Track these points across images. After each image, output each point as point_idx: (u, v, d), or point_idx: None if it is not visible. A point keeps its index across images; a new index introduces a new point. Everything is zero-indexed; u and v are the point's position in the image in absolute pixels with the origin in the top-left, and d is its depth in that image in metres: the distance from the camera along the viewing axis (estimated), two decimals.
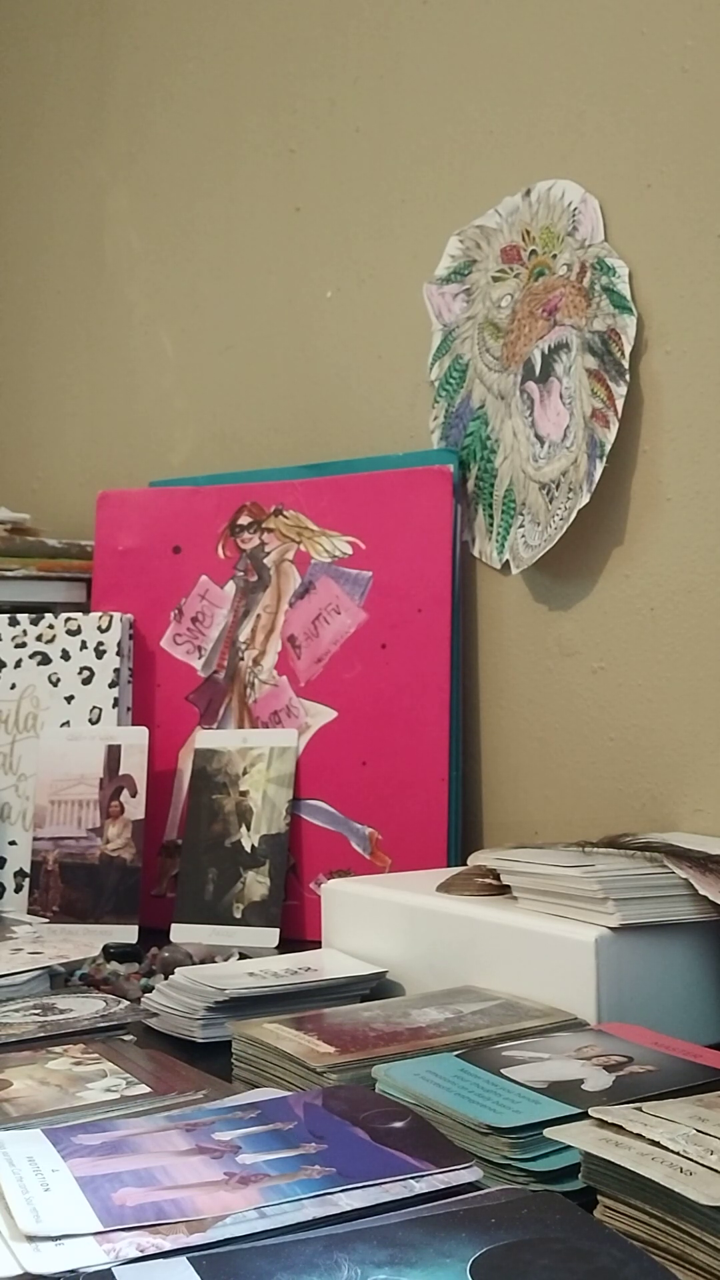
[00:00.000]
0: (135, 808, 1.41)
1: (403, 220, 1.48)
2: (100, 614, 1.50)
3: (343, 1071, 0.86)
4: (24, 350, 2.01)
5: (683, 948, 0.99)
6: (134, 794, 1.41)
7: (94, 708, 1.48)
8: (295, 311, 1.60)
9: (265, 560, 1.48)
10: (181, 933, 1.37)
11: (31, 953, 1.19)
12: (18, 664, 1.51)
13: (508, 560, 1.35)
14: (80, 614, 1.52)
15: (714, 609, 1.20)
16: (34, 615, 1.53)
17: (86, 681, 1.48)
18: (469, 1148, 0.74)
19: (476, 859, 1.14)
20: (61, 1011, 1.06)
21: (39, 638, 1.51)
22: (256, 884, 1.37)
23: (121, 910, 1.38)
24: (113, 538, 1.56)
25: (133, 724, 1.48)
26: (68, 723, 1.48)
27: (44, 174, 1.98)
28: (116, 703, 1.47)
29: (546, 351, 1.31)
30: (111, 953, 1.25)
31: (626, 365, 1.22)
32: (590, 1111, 0.70)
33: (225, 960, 1.21)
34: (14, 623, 1.53)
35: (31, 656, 1.51)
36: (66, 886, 1.41)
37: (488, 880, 1.10)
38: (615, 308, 1.24)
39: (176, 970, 1.08)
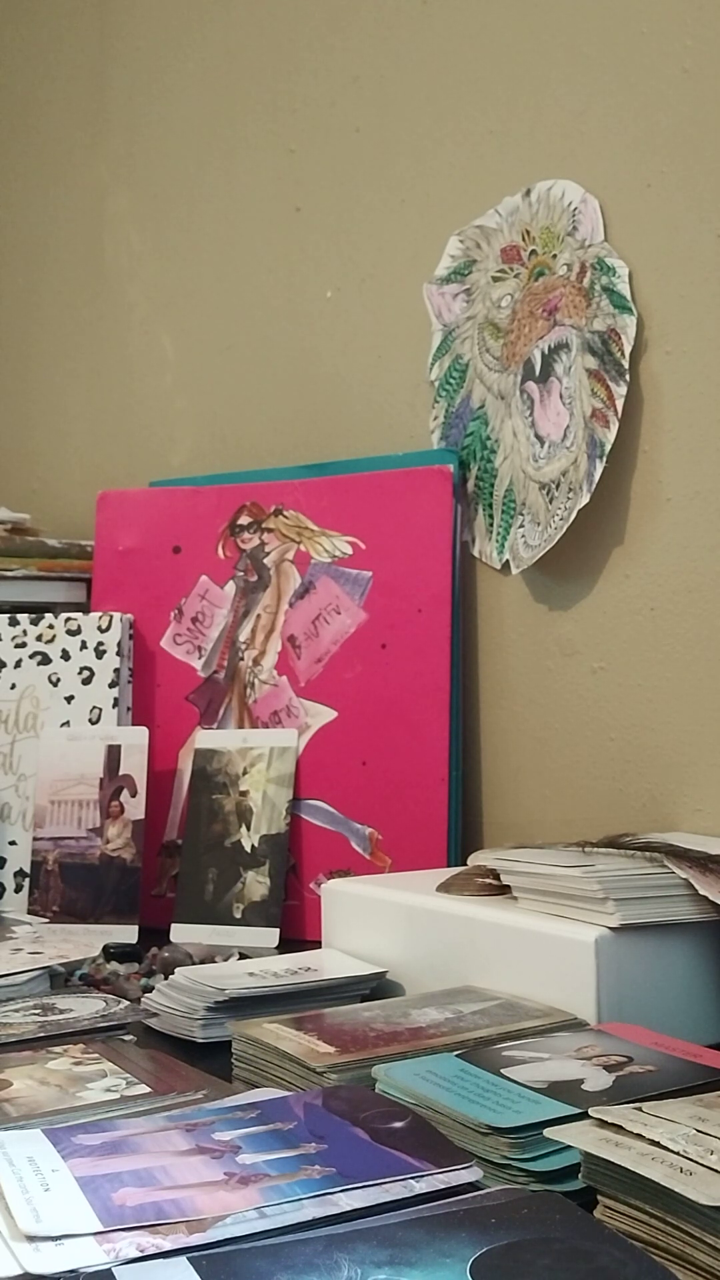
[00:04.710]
0: (135, 808, 1.41)
1: (403, 220, 1.48)
2: (100, 614, 1.50)
3: (343, 1071, 0.86)
4: (24, 350, 2.01)
5: (683, 948, 0.99)
6: (134, 794, 1.41)
7: (94, 708, 1.48)
8: (295, 311, 1.60)
9: (265, 560, 1.48)
10: (181, 933, 1.37)
11: (31, 953, 1.19)
12: (18, 664, 1.51)
13: (508, 560, 1.35)
14: (80, 614, 1.52)
15: (714, 609, 1.20)
16: (34, 615, 1.53)
17: (86, 681, 1.48)
18: (469, 1148, 0.74)
19: (476, 859, 1.14)
20: (61, 1011, 1.06)
21: (39, 638, 1.51)
22: (256, 884, 1.37)
23: (121, 910, 1.38)
24: (113, 538, 1.56)
25: (133, 724, 1.48)
26: (68, 723, 1.48)
27: (44, 174, 1.98)
28: (116, 703, 1.47)
29: (546, 351, 1.31)
30: (111, 953, 1.25)
31: (626, 365, 1.23)
32: (590, 1111, 0.70)
33: (225, 960, 1.21)
34: (14, 623, 1.53)
35: (31, 656, 1.51)
36: (66, 886, 1.41)
37: (488, 880, 1.10)
38: (615, 308, 1.24)
39: (176, 970, 1.08)
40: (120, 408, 1.84)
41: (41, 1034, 1.00)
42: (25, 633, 1.52)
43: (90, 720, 1.47)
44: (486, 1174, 0.72)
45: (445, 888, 1.12)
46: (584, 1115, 0.72)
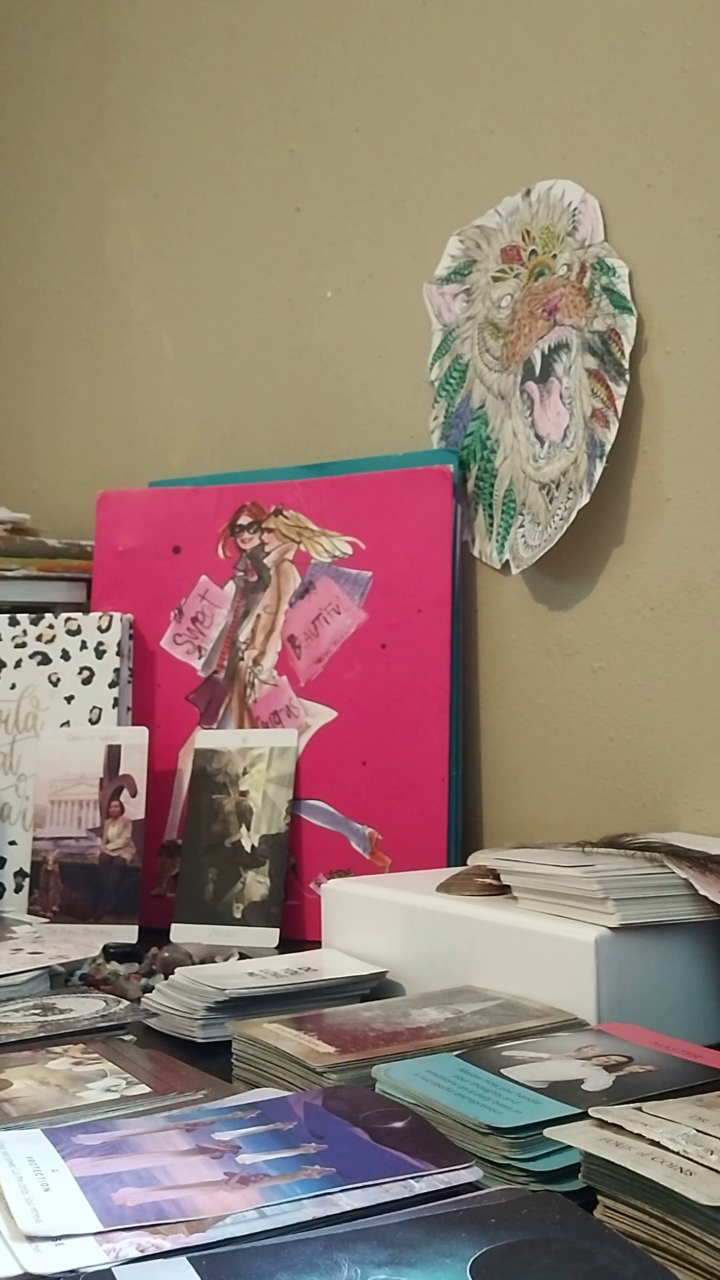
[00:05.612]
0: (135, 808, 1.41)
1: (403, 220, 1.48)
2: (100, 614, 1.50)
3: (343, 1071, 0.86)
4: (24, 350, 2.01)
5: (683, 948, 0.99)
6: (134, 794, 1.41)
7: (94, 708, 1.48)
8: (295, 311, 1.60)
9: (265, 560, 1.48)
10: (181, 933, 1.37)
11: (31, 953, 1.19)
12: (18, 664, 1.51)
13: (508, 560, 1.35)
14: (80, 614, 1.52)
15: (714, 609, 1.20)
16: (34, 615, 1.53)
17: (86, 681, 1.48)
18: (469, 1148, 0.74)
19: (476, 859, 1.14)
20: (61, 1011, 1.06)
21: (39, 638, 1.51)
22: (256, 884, 1.37)
23: (121, 910, 1.38)
24: (113, 538, 1.56)
25: (133, 724, 1.48)
26: (68, 723, 1.48)
27: (44, 174, 1.98)
28: (116, 703, 1.47)
29: (546, 351, 1.31)
30: (111, 953, 1.25)
31: (626, 365, 1.23)
32: (590, 1111, 0.70)
33: (225, 960, 1.21)
34: (14, 623, 1.53)
35: (31, 656, 1.51)
36: (66, 886, 1.41)
37: (488, 880, 1.10)
38: (615, 308, 1.24)
39: (176, 970, 1.08)
40: (120, 408, 1.84)
41: (41, 1034, 1.00)
42: (25, 633, 1.52)
43: (90, 720, 1.47)
44: (486, 1174, 0.72)
45: (445, 888, 1.12)
46: (584, 1115, 0.72)
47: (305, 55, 1.58)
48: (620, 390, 1.23)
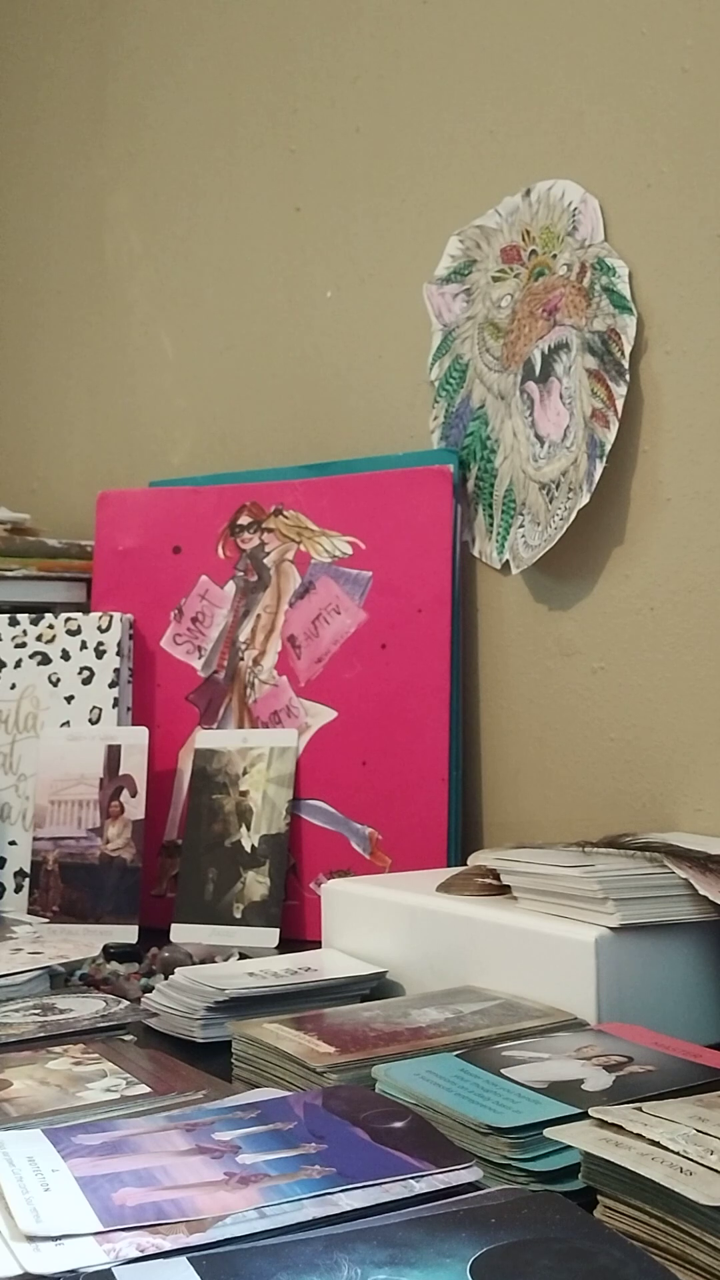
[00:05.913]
0: (135, 808, 1.41)
1: (403, 220, 1.48)
2: (100, 614, 1.50)
3: (343, 1071, 0.86)
4: (24, 350, 2.01)
5: (683, 948, 0.99)
6: (134, 794, 1.41)
7: (94, 708, 1.48)
8: (295, 311, 1.60)
9: (265, 560, 1.48)
10: (181, 933, 1.37)
11: (31, 953, 1.19)
12: (18, 664, 1.51)
13: (508, 560, 1.35)
14: (80, 614, 1.52)
15: (714, 609, 1.20)
16: (34, 615, 1.53)
17: (86, 681, 1.48)
18: (469, 1148, 0.74)
19: (476, 859, 1.14)
20: (61, 1011, 1.06)
21: (39, 638, 1.51)
22: (256, 884, 1.37)
23: (121, 910, 1.38)
24: (113, 538, 1.56)
25: (133, 724, 1.48)
26: (68, 723, 1.48)
27: (44, 174, 1.98)
28: (116, 703, 1.47)
29: (546, 351, 1.31)
30: (111, 953, 1.25)
31: (626, 365, 1.23)
32: (590, 1111, 0.70)
33: (225, 960, 1.21)
34: (14, 623, 1.53)
35: (31, 656, 1.51)
36: (66, 886, 1.41)
37: (488, 880, 1.10)
38: (615, 308, 1.24)
39: (176, 970, 1.08)
40: (120, 408, 1.84)
41: (41, 1034, 1.00)
42: (25, 633, 1.52)
43: (90, 720, 1.47)
44: (486, 1174, 0.72)
45: (445, 888, 1.12)
46: (584, 1115, 0.72)
47: (305, 55, 1.58)
48: (620, 390, 1.23)
